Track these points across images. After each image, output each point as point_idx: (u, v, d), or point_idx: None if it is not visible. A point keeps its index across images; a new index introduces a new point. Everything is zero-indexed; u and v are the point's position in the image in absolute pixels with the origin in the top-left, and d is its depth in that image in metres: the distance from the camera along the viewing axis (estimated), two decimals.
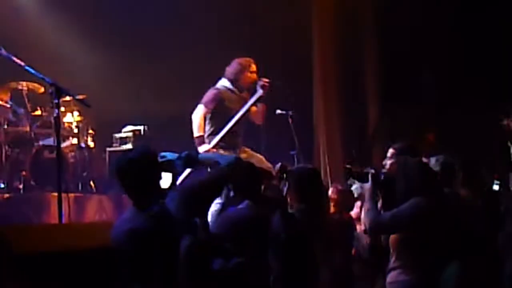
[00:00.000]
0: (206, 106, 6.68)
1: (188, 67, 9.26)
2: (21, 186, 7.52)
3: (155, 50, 9.42)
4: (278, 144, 7.48)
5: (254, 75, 6.79)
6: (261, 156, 6.82)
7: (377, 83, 8.80)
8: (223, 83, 6.82)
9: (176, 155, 3.80)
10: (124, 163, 3.58)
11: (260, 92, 6.73)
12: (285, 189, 4.62)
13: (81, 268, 4.32)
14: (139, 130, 8.47)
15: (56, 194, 7.05)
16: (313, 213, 4.50)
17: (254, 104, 6.79)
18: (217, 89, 6.79)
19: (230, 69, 6.82)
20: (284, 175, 4.70)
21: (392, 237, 4.15)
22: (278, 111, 7.12)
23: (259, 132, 7.60)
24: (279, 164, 5.04)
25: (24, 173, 7.53)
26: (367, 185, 4.31)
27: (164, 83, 9.34)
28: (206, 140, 6.64)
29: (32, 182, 7.53)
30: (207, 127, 6.72)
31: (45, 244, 4.22)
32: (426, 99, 8.82)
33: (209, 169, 3.76)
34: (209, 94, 6.76)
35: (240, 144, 6.79)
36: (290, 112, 7.17)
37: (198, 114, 6.67)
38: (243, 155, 6.66)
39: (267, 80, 6.74)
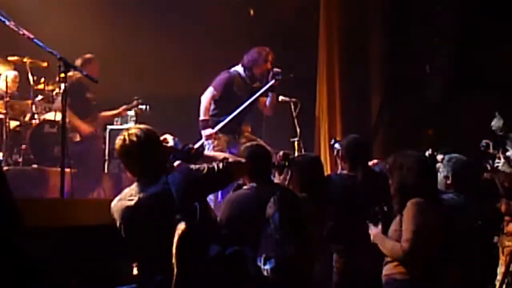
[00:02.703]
0: (215, 89, 6.67)
1: (192, 49, 9.28)
2: (20, 160, 7.52)
3: (159, 30, 9.42)
4: (280, 131, 7.50)
5: (269, 66, 6.76)
6: (260, 141, 6.83)
7: (381, 74, 8.79)
8: (237, 68, 6.81)
9: (180, 144, 3.80)
10: (127, 142, 3.58)
11: (271, 81, 6.72)
12: (287, 177, 4.62)
13: (81, 244, 4.34)
14: (141, 110, 8.46)
15: (55, 169, 7.15)
16: (314, 202, 4.50)
17: (264, 93, 6.78)
18: (229, 73, 6.79)
19: (247, 57, 6.79)
20: (287, 163, 4.70)
21: (390, 230, 4.11)
22: (281, 98, 7.12)
23: (260, 119, 7.63)
24: (282, 152, 5.04)
25: (24, 146, 7.53)
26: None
27: (168, 63, 9.35)
28: (210, 124, 6.66)
29: (32, 156, 7.53)
30: (211, 108, 6.71)
31: (47, 219, 4.23)
32: (430, 92, 8.82)
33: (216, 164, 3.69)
34: (220, 77, 6.76)
35: (241, 131, 6.81)
36: (293, 99, 7.18)
37: (207, 97, 6.66)
38: (242, 140, 6.69)
39: (279, 70, 6.74)
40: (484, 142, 5.78)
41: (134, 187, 3.62)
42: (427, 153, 5.17)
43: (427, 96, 8.81)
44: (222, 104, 6.67)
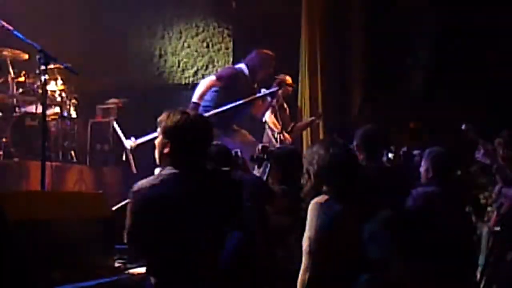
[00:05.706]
0: (218, 79, 6.64)
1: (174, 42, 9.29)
2: (1, 153, 7.47)
3: (140, 21, 9.44)
4: (261, 124, 7.52)
5: (272, 71, 6.90)
6: (245, 131, 6.90)
7: (363, 66, 8.84)
8: (242, 66, 6.84)
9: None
10: (188, 119, 3.40)
11: (275, 88, 6.83)
12: (266, 170, 4.65)
13: (62, 236, 4.33)
14: (123, 103, 8.44)
15: (36, 162, 7.11)
16: (294, 194, 4.53)
17: (264, 96, 6.82)
18: (235, 69, 6.86)
19: (251, 60, 6.83)
20: (265, 156, 4.73)
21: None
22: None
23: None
24: (260, 145, 5.09)
25: (4, 140, 7.48)
26: None
27: (149, 56, 9.37)
28: (201, 109, 6.46)
29: (13, 149, 7.49)
30: (208, 97, 6.60)
31: (27, 212, 4.21)
32: (412, 86, 8.88)
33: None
34: (226, 69, 6.86)
35: (231, 125, 6.80)
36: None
37: (206, 83, 6.61)
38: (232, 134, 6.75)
39: (285, 79, 6.94)
40: (464, 125, 5.84)
41: (178, 173, 3.35)
42: (402, 150, 5.19)
43: (408, 90, 8.86)
44: (220, 96, 6.60)
